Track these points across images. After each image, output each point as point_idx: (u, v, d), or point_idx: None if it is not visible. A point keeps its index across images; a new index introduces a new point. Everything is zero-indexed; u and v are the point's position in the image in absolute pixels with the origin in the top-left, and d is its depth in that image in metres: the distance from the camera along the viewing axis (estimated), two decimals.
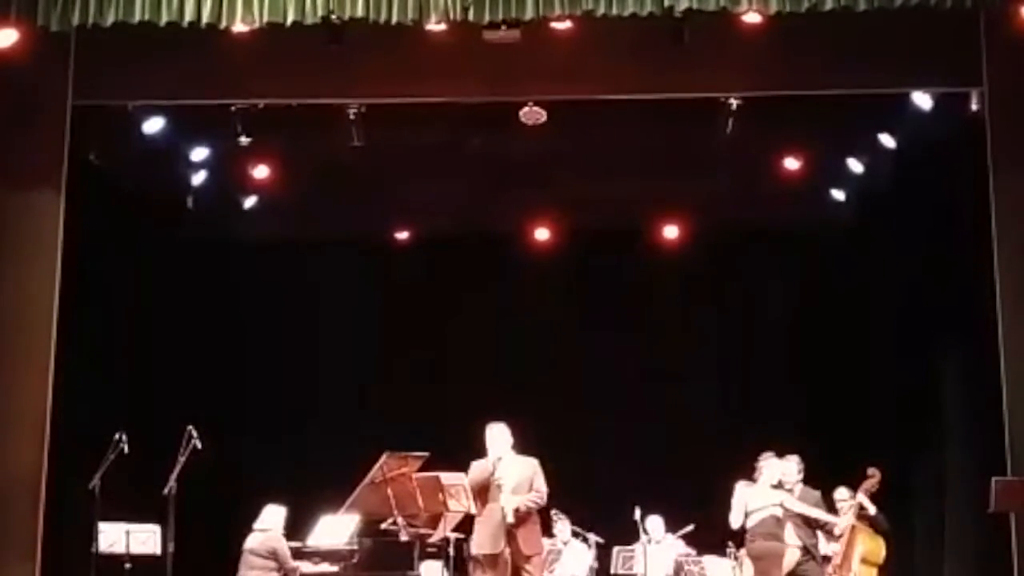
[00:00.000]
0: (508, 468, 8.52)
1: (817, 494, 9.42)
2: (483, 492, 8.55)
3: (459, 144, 10.91)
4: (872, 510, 9.48)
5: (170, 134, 10.45)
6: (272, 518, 9.44)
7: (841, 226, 12.08)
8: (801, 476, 9.45)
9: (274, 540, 9.31)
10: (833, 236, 12.14)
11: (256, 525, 9.43)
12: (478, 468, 8.59)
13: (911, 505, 11.18)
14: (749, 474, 9.31)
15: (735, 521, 9.23)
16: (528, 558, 8.47)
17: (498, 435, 8.61)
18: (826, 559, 9.77)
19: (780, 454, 9.43)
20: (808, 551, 9.27)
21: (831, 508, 9.78)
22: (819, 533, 9.47)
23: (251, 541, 9.36)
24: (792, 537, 9.15)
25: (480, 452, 8.70)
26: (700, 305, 12.67)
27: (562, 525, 10.86)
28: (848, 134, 10.87)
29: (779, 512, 9.10)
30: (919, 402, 11.21)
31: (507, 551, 8.36)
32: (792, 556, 9.16)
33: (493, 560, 8.44)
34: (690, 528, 10.63)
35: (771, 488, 9.19)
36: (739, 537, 9.52)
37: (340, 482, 9.69)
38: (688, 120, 10.03)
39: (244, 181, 11.66)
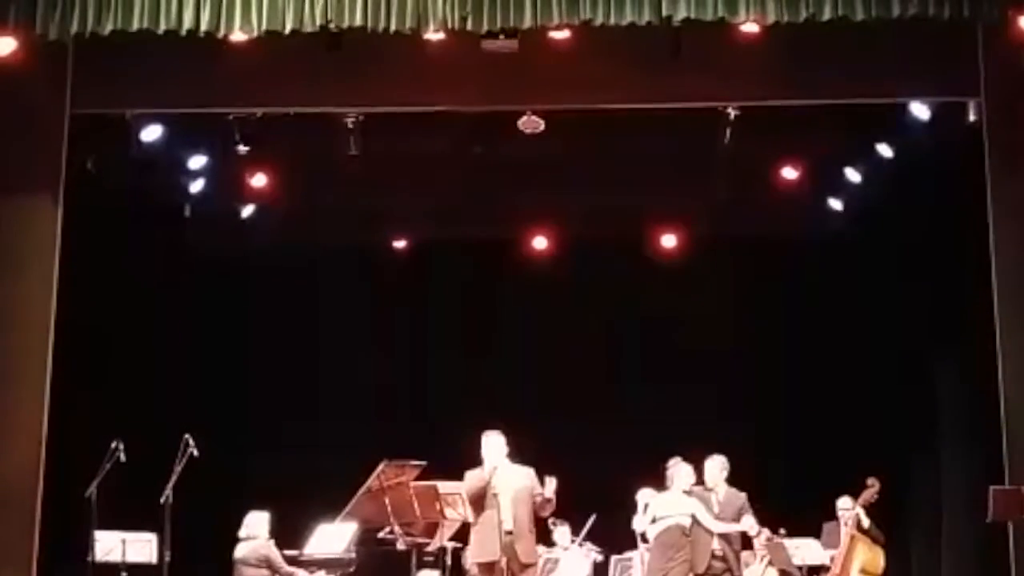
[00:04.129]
0: (505, 477, 8.52)
1: (743, 496, 9.18)
2: (479, 501, 8.55)
3: (457, 152, 10.91)
4: (866, 523, 9.46)
5: (168, 142, 10.45)
6: (256, 525, 9.42)
7: (838, 235, 12.08)
8: (724, 475, 9.24)
9: (264, 548, 9.28)
10: (831, 245, 12.14)
11: (241, 533, 9.41)
12: (474, 477, 8.58)
13: (909, 514, 11.18)
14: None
15: (640, 524, 9.10)
16: (525, 567, 8.48)
17: (494, 444, 8.61)
18: (824, 568, 9.76)
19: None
20: (726, 559, 9.03)
21: (827, 514, 9.75)
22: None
23: (240, 551, 9.34)
24: (716, 543, 8.99)
25: (477, 459, 8.68)
26: (698, 313, 12.65)
27: (562, 531, 10.83)
28: (846, 144, 10.89)
29: (687, 522, 8.93)
30: (917, 410, 11.22)
31: (504, 559, 8.34)
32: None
33: (490, 568, 8.43)
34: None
35: (683, 495, 9.01)
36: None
37: (337, 490, 9.68)
38: (686, 129, 10.05)
39: (242, 189, 11.66)
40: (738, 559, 9.20)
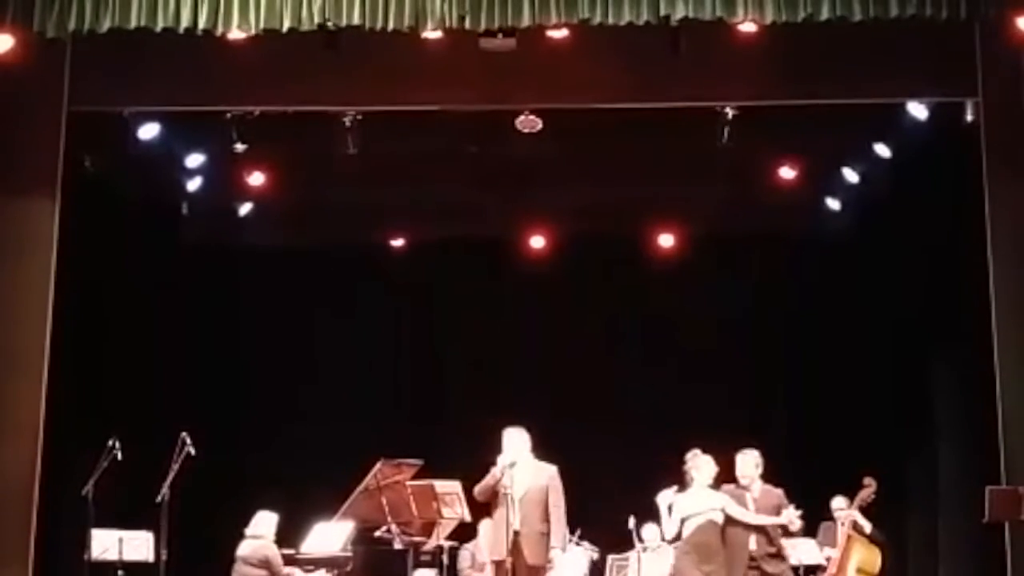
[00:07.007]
0: (520, 475, 8.25)
1: (779, 492, 8.60)
2: (493, 497, 8.35)
3: (455, 151, 10.91)
4: (867, 528, 9.41)
5: (165, 140, 10.45)
6: (264, 524, 9.41)
7: (837, 235, 12.09)
8: (759, 471, 8.63)
9: (266, 548, 9.28)
10: (829, 245, 12.15)
11: (248, 531, 9.40)
12: (489, 474, 8.36)
13: (906, 513, 11.18)
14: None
15: (669, 532, 8.38)
16: (532, 569, 8.22)
17: (511, 440, 8.36)
18: (821, 568, 9.75)
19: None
20: (755, 559, 8.35)
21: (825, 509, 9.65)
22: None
23: (243, 548, 9.33)
24: (752, 543, 8.38)
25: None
26: (696, 313, 12.65)
27: None
28: (844, 144, 10.89)
29: (719, 517, 8.23)
30: (914, 410, 11.22)
31: (509, 560, 8.15)
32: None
33: (499, 567, 8.32)
34: None
35: (708, 490, 8.34)
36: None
37: (335, 489, 9.68)
38: (684, 129, 10.04)
39: (239, 187, 11.65)
40: (776, 558, 8.49)
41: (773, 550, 8.45)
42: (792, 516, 8.40)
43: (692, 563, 8.21)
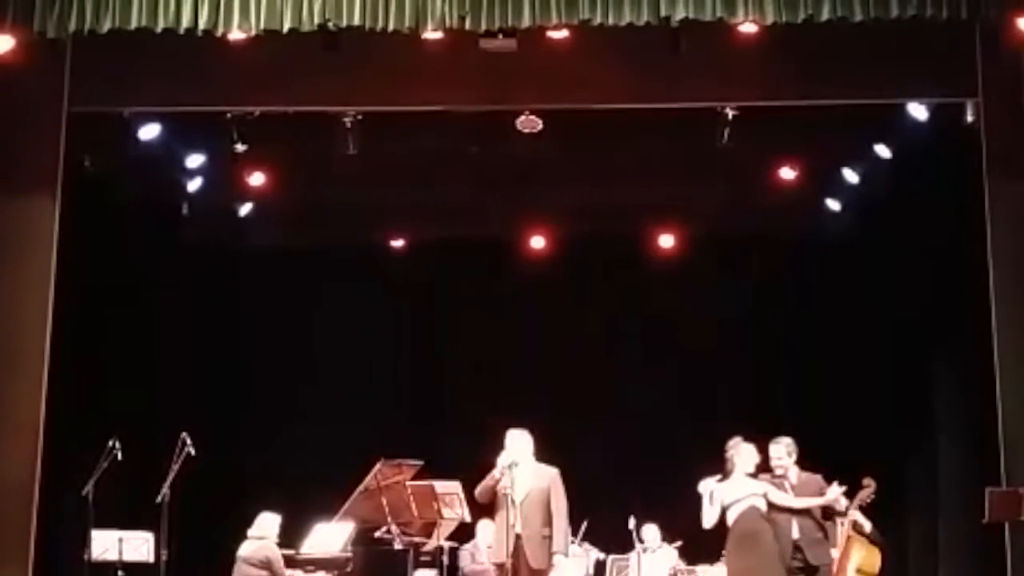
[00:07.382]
0: (521, 477, 8.20)
1: (818, 478, 8.45)
2: (494, 499, 8.31)
3: (456, 152, 10.91)
4: (867, 527, 9.39)
5: (166, 141, 10.45)
6: (267, 526, 9.41)
7: (837, 235, 12.09)
8: (794, 459, 8.48)
9: (268, 549, 9.27)
10: (829, 245, 12.16)
11: (251, 532, 9.40)
12: (488, 475, 8.32)
13: (905, 513, 11.19)
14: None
15: (709, 520, 8.24)
16: (534, 572, 8.17)
17: (512, 442, 8.32)
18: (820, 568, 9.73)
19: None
20: (801, 549, 8.21)
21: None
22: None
23: (245, 548, 9.33)
24: (795, 531, 8.26)
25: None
26: (696, 313, 12.66)
27: None
28: (844, 144, 10.89)
29: (762, 504, 8.14)
30: (914, 409, 11.23)
31: (510, 562, 8.11)
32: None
33: (500, 570, 8.30)
34: (680, 543, 10.55)
35: (747, 477, 8.24)
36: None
37: (335, 489, 9.69)
38: (684, 129, 10.05)
39: (240, 188, 11.65)
40: (822, 545, 8.33)
41: (820, 535, 8.36)
42: (837, 493, 8.27)
43: (738, 556, 8.16)
